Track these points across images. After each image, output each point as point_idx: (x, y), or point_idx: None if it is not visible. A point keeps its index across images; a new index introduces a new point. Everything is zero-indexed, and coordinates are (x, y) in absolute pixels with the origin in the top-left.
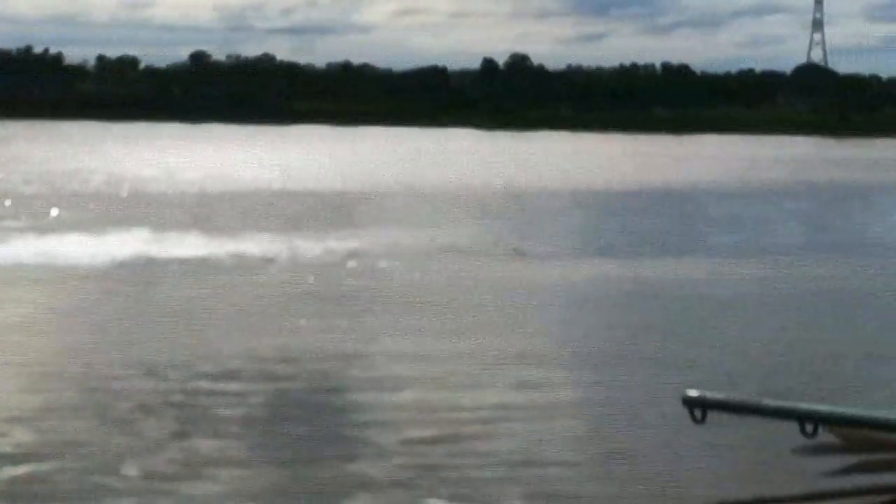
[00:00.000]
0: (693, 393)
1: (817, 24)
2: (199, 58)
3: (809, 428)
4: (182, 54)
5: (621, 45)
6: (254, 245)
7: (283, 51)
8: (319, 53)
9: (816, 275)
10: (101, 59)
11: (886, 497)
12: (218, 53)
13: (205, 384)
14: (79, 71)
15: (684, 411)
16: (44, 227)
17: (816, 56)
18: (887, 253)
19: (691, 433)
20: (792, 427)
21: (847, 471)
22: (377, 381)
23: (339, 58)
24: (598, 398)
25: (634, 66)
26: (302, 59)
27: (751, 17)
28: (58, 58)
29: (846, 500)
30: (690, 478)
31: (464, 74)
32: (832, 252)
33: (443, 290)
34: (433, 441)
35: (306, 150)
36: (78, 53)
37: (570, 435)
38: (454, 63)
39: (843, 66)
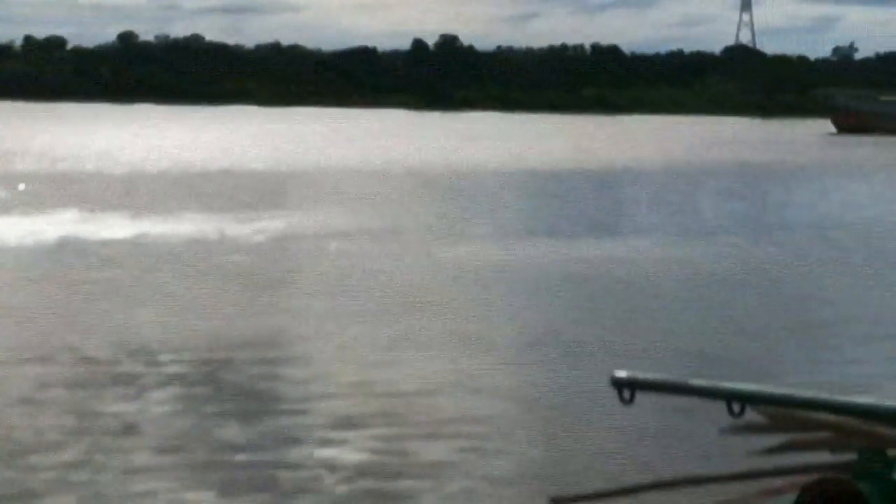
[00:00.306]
0: (621, 374)
1: (746, 5)
2: (127, 38)
3: (737, 407)
4: (110, 34)
5: (552, 25)
6: (183, 225)
7: (213, 31)
8: (249, 34)
9: (744, 255)
10: (28, 39)
11: (812, 476)
12: (146, 34)
13: (128, 368)
14: (5, 51)
15: (613, 392)
16: None
17: (745, 37)
18: (812, 232)
19: (620, 414)
20: (720, 407)
21: (774, 450)
22: (307, 364)
23: (268, 38)
24: (527, 380)
25: (564, 47)
26: (231, 39)
27: None
28: None
29: (774, 479)
30: (619, 459)
31: (394, 55)
32: (760, 231)
33: (377, 270)
34: (360, 426)
35: (236, 131)
36: (4, 33)
37: (499, 417)
38: (384, 43)
39: (771, 46)
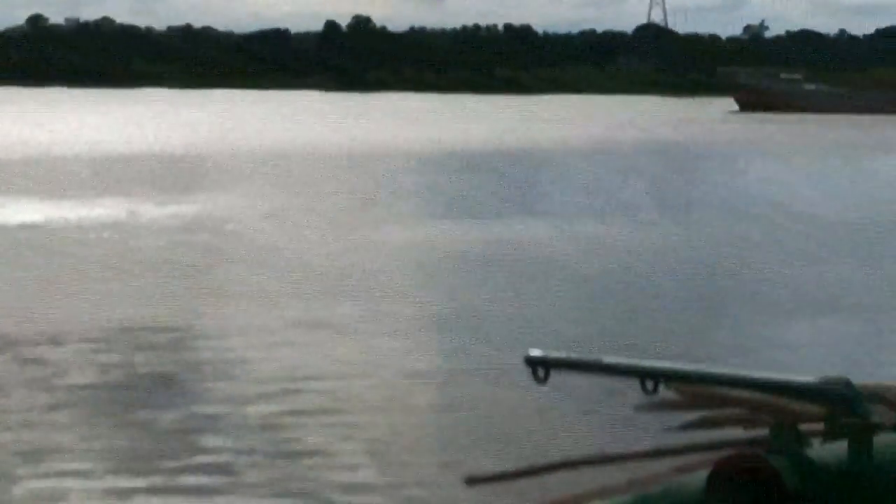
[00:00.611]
0: (535, 352)
1: None
2: (36, 21)
3: (650, 385)
4: (19, 17)
5: (465, 5)
6: (96, 210)
7: (123, 13)
8: (160, 16)
9: (658, 233)
10: None
11: (725, 452)
12: (56, 16)
13: (42, 353)
14: None
15: (527, 372)
16: None
17: (657, 16)
18: (722, 210)
19: (535, 393)
20: (634, 385)
21: (688, 426)
22: (221, 349)
23: (179, 20)
24: (441, 360)
25: (477, 27)
26: (142, 21)
27: None
28: None
29: (688, 456)
30: (534, 438)
31: (306, 36)
32: (673, 210)
33: (293, 253)
34: (273, 409)
35: (148, 114)
36: None
37: (413, 397)
38: (297, 25)
39: (683, 25)
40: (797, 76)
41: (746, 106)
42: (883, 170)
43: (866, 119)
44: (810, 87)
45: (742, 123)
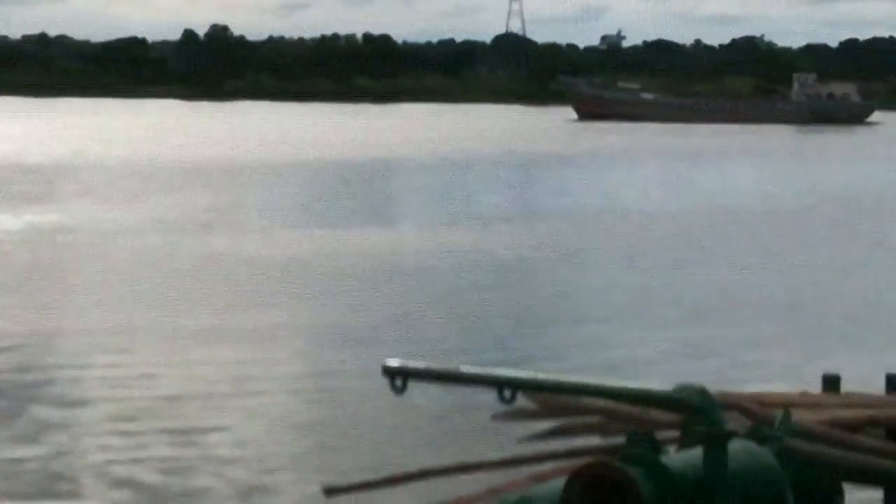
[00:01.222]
0: (393, 363)
1: None
2: None
3: (508, 394)
4: None
5: (324, 15)
6: None
7: None
8: (15, 24)
9: (513, 241)
10: None
11: (582, 460)
12: None
13: None
14: None
15: (386, 382)
16: None
17: (515, 26)
18: (573, 218)
19: (393, 404)
20: (492, 394)
21: (545, 435)
22: (76, 360)
23: (35, 29)
24: (300, 371)
25: (336, 37)
26: None
27: None
28: None
29: (545, 464)
30: (392, 448)
31: (164, 45)
32: (525, 218)
33: (152, 264)
34: (129, 420)
35: (2, 122)
36: None
37: (273, 408)
38: (154, 34)
39: (542, 35)
40: (635, 86)
41: (585, 115)
42: (701, 176)
43: (702, 128)
44: (647, 96)
45: (578, 132)
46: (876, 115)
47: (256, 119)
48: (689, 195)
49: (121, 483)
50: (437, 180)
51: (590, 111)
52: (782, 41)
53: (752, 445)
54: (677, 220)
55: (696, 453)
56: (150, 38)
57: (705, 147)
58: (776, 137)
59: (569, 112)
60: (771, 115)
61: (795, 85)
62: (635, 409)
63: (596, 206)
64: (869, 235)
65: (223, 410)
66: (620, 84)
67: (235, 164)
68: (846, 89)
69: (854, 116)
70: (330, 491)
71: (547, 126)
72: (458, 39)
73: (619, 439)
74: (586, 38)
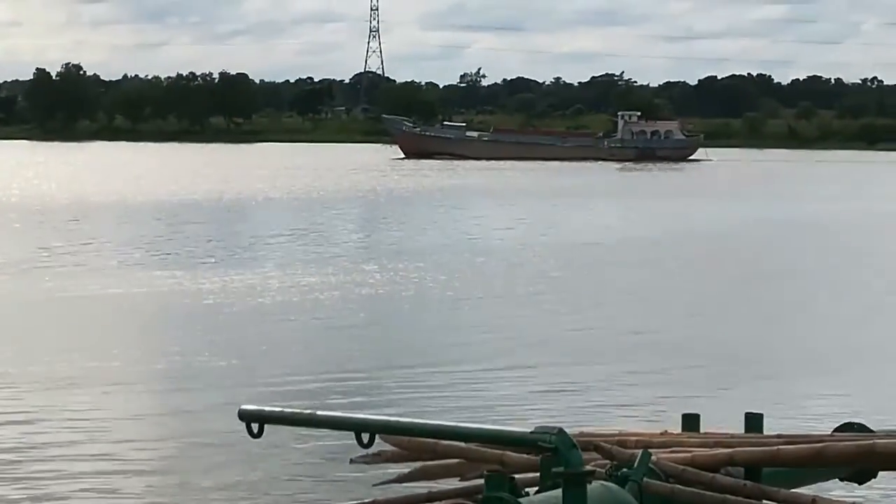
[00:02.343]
0: (249, 407)
1: (374, 33)
2: None
3: (366, 438)
4: None
5: (181, 54)
6: None
7: None
8: None
9: (368, 281)
10: None
11: (442, 503)
12: None
13: None
14: None
15: (242, 427)
16: None
17: (374, 64)
18: (432, 257)
19: (249, 448)
20: (350, 437)
21: (404, 478)
22: None
23: None
24: (154, 416)
25: (192, 75)
26: None
27: (310, 26)
28: None
29: None
30: (248, 493)
31: (15, 84)
32: (385, 257)
33: None
34: None
35: None
36: None
37: (126, 454)
38: (6, 73)
39: (402, 74)
40: (461, 125)
41: (410, 153)
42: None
43: (522, 164)
44: (472, 134)
45: (398, 170)
46: (700, 152)
47: (108, 159)
48: (527, 232)
49: None
50: (296, 219)
51: (414, 149)
52: (642, 79)
53: (611, 486)
54: (517, 257)
55: (555, 494)
56: (1, 78)
57: (526, 186)
58: (600, 174)
59: (395, 150)
60: (597, 152)
61: (620, 122)
62: (494, 451)
63: (436, 243)
64: (720, 272)
65: (71, 458)
66: (446, 123)
67: (83, 204)
68: (670, 126)
69: (678, 153)
70: None
71: (373, 164)
72: (317, 78)
73: (479, 482)
74: (447, 76)
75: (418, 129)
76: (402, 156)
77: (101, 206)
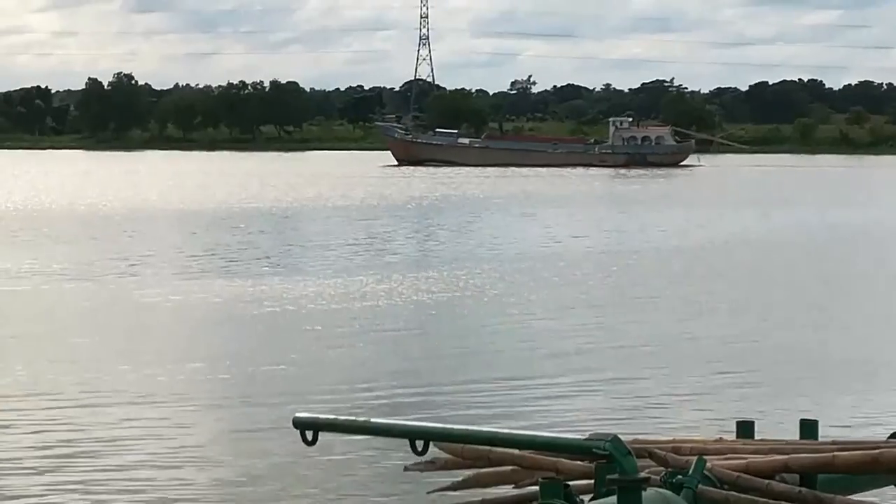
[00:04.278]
0: (303, 415)
1: (424, 40)
2: None
3: (419, 445)
4: None
5: (232, 62)
6: None
7: None
8: None
9: (421, 288)
10: None
11: None
12: None
13: None
14: None
15: (296, 434)
16: None
17: (424, 72)
18: (484, 264)
19: (305, 456)
20: (404, 445)
21: (458, 486)
22: None
23: None
24: (212, 424)
25: (243, 84)
26: None
27: (361, 34)
28: None
29: None
30: (304, 501)
31: (68, 95)
32: (436, 266)
33: (44, 315)
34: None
35: None
36: None
37: (184, 463)
38: (58, 83)
39: (451, 81)
40: (453, 131)
41: (402, 159)
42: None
43: (509, 171)
44: (464, 141)
45: (390, 177)
46: (691, 158)
47: (161, 168)
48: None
49: None
50: (346, 227)
51: (407, 156)
52: (692, 85)
53: (666, 493)
54: (567, 264)
55: (610, 501)
56: (54, 88)
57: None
58: (590, 181)
59: (388, 157)
60: (588, 158)
61: (611, 128)
62: (548, 459)
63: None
64: (773, 278)
65: (130, 466)
66: (438, 130)
67: (139, 213)
68: (661, 132)
69: (669, 158)
70: None
71: (364, 171)
72: (367, 86)
73: (534, 489)
74: (497, 84)
75: (410, 135)
76: (395, 163)
77: (156, 214)
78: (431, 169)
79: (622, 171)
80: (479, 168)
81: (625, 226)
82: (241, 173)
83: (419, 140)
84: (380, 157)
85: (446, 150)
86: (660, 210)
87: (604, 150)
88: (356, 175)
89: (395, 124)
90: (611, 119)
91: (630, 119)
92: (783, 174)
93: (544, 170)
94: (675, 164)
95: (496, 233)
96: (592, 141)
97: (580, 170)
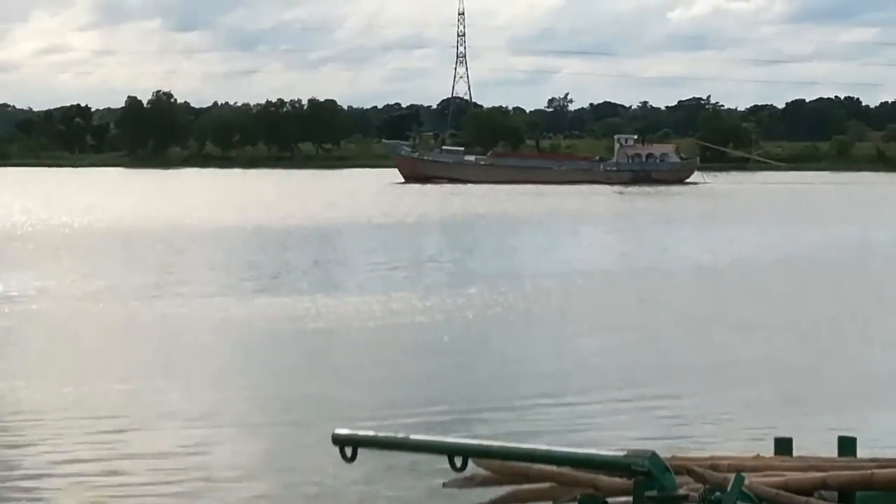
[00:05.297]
0: (343, 431)
1: (461, 58)
2: None
3: (458, 462)
4: None
5: (270, 81)
6: None
7: None
8: None
9: (459, 305)
10: None
11: None
12: None
13: None
14: None
15: (336, 451)
16: None
17: (461, 89)
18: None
19: (344, 472)
20: (442, 461)
21: (496, 502)
22: (30, 430)
23: None
24: (251, 442)
25: (281, 102)
26: None
27: (398, 52)
28: None
29: None
30: None
31: (107, 113)
32: (475, 282)
33: (96, 332)
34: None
35: None
36: None
37: (224, 481)
38: (98, 101)
39: (489, 99)
40: (459, 149)
41: (409, 177)
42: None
43: (516, 188)
44: (469, 158)
45: (397, 194)
46: (696, 175)
47: (200, 186)
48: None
49: None
50: (383, 245)
51: (414, 173)
52: (729, 102)
53: None
54: (605, 282)
55: None
56: (94, 106)
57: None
58: (597, 198)
59: (395, 174)
60: (593, 175)
61: (616, 146)
62: (586, 475)
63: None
64: (810, 296)
65: (170, 485)
66: (444, 147)
67: (177, 230)
68: (665, 149)
69: (674, 175)
70: None
71: (371, 189)
72: (404, 104)
73: None
74: (534, 101)
75: (416, 153)
76: (402, 180)
77: (197, 232)
78: (448, 186)
79: (627, 188)
80: (487, 185)
81: (646, 244)
82: (279, 191)
83: (425, 157)
84: (389, 174)
85: (452, 168)
86: (682, 227)
87: (609, 168)
88: (368, 192)
89: (401, 142)
90: (616, 136)
91: (635, 137)
92: (818, 191)
93: (562, 187)
94: (680, 182)
95: (532, 250)
96: (598, 158)
97: (584, 187)
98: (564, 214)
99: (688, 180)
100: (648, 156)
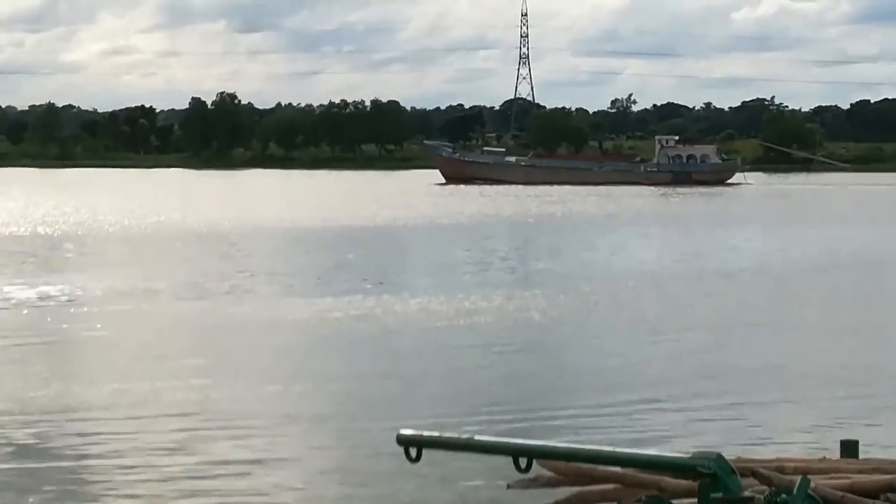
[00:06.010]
0: (407, 432)
1: (524, 59)
2: None
3: (523, 463)
4: None
5: (334, 81)
6: None
7: None
8: (24, 95)
9: (525, 306)
10: None
11: None
12: None
13: None
14: None
15: (400, 451)
16: None
17: (524, 90)
18: (584, 282)
19: (409, 472)
20: (507, 462)
21: (562, 503)
22: (94, 432)
23: (42, 99)
24: (317, 442)
25: (344, 103)
26: (5, 101)
27: (462, 53)
28: None
29: None
30: None
31: (172, 114)
32: (541, 283)
33: (163, 333)
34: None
35: (5, 193)
36: None
37: (290, 483)
38: (163, 103)
39: (551, 100)
40: (500, 150)
41: (450, 178)
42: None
43: (563, 189)
44: (510, 159)
45: (438, 195)
46: (738, 176)
47: (264, 186)
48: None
49: None
50: (443, 245)
51: (455, 174)
52: (793, 103)
53: None
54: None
55: None
56: (158, 107)
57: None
58: (637, 200)
59: (436, 175)
60: (634, 176)
61: (657, 147)
62: (651, 477)
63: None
64: (877, 298)
65: (239, 489)
66: (486, 149)
67: (242, 231)
68: (706, 150)
69: (715, 177)
70: None
71: (413, 189)
72: (467, 105)
73: None
74: (597, 102)
75: (458, 154)
76: (443, 181)
77: (262, 232)
78: (494, 187)
79: (667, 189)
80: (524, 186)
81: (711, 244)
82: (343, 191)
83: (466, 158)
84: (430, 174)
85: (493, 169)
86: (747, 228)
87: (649, 169)
88: (411, 193)
89: (442, 143)
90: (657, 137)
91: (676, 137)
92: (883, 192)
93: (603, 188)
94: (721, 183)
95: (593, 252)
96: (638, 159)
97: (623, 188)
98: (624, 216)
99: (729, 181)
100: (689, 157)
